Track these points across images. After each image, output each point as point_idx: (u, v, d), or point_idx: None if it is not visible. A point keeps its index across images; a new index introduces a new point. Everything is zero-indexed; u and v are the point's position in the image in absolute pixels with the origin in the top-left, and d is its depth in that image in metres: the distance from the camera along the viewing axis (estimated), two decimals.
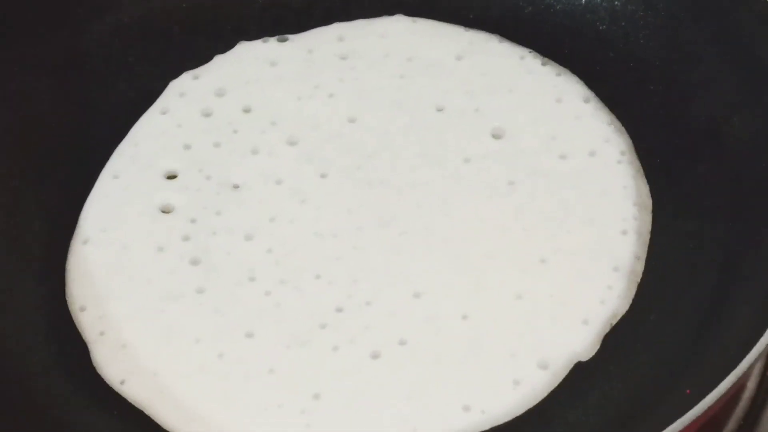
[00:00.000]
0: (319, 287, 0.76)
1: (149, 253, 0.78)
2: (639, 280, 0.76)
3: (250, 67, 0.85)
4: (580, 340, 0.74)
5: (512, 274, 0.76)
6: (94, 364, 0.74)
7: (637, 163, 0.81)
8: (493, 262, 0.76)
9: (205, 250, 0.78)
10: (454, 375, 0.72)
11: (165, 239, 0.78)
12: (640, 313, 0.75)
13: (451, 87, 0.84)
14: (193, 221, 0.79)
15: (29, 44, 0.84)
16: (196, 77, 0.85)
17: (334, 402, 0.72)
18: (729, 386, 0.65)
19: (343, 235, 0.78)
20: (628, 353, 0.73)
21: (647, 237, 0.78)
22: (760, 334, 0.67)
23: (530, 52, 0.85)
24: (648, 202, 0.79)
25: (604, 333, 0.74)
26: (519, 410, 0.72)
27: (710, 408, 0.64)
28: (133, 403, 0.73)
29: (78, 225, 0.79)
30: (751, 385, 0.77)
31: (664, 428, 0.64)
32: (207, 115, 0.84)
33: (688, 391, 0.68)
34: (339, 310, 0.75)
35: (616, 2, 0.86)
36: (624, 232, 0.78)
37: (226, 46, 0.87)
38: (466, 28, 0.87)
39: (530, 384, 0.72)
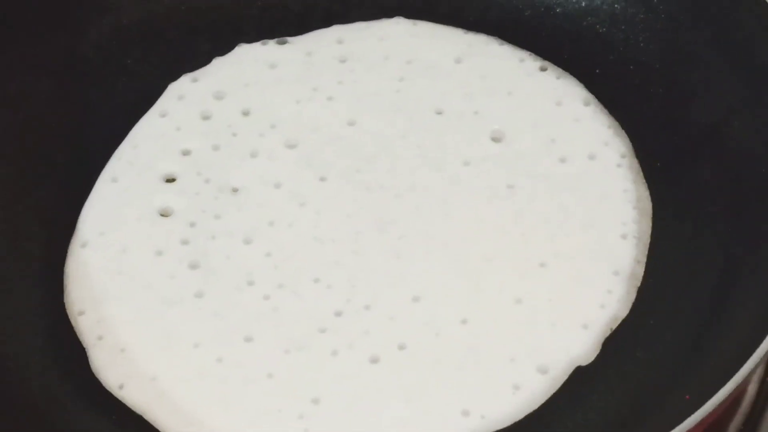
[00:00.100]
0: (318, 291, 0.76)
1: (148, 256, 0.77)
2: (639, 284, 0.76)
3: (249, 69, 0.85)
4: (580, 345, 0.73)
5: (512, 278, 0.76)
6: (93, 369, 0.74)
7: (637, 167, 0.80)
8: (493, 266, 0.76)
9: (204, 253, 0.77)
10: (454, 379, 0.72)
11: (164, 243, 0.78)
12: (640, 317, 0.75)
13: (451, 90, 0.84)
14: (192, 225, 0.79)
15: (28, 46, 0.84)
16: (195, 80, 0.85)
17: (333, 406, 0.72)
18: (729, 392, 0.65)
19: (342, 239, 0.78)
20: (628, 358, 0.73)
21: (647, 241, 0.77)
22: (761, 339, 0.67)
23: (530, 54, 0.85)
24: (648, 205, 0.79)
25: (604, 337, 0.74)
26: (518, 415, 0.72)
27: (710, 414, 0.64)
28: (131, 407, 0.73)
29: (76, 228, 0.79)
30: (752, 390, 0.77)
31: None
32: (206, 117, 0.83)
33: (687, 396, 0.68)
34: (338, 314, 0.75)
35: (616, 5, 0.86)
36: (624, 236, 0.77)
37: (225, 48, 0.86)
38: (466, 31, 0.86)
39: (530, 388, 0.72)
